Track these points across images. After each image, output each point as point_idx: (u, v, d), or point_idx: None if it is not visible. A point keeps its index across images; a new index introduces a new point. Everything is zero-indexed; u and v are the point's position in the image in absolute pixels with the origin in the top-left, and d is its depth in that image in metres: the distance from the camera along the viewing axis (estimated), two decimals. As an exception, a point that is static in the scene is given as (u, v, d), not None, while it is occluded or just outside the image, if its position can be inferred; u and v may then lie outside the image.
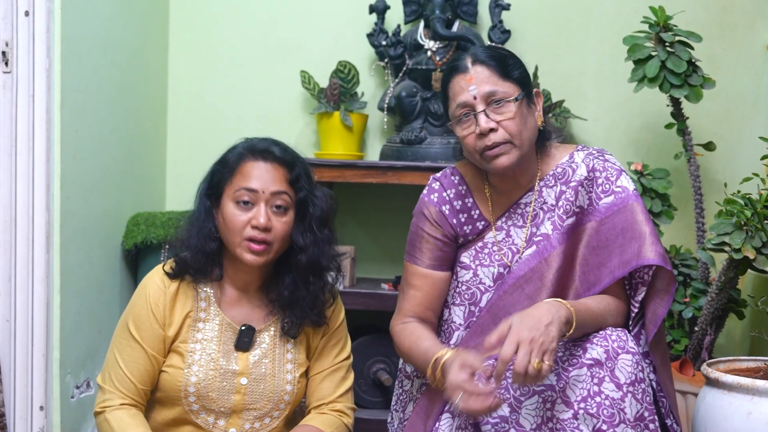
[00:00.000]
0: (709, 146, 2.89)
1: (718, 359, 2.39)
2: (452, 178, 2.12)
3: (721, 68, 3.09)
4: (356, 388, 2.73)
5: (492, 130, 1.96)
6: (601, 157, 2.06)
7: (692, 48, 2.79)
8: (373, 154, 3.28)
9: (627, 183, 2.02)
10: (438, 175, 2.15)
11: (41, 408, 2.52)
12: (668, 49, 2.77)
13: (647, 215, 2.01)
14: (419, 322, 2.08)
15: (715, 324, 2.73)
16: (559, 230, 2.02)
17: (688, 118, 2.87)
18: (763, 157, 2.56)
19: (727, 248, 2.47)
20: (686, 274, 2.85)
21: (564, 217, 2.03)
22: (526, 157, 2.03)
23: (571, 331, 1.86)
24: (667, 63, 2.75)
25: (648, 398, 1.90)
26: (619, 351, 1.89)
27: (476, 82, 1.97)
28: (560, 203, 2.04)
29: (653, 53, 2.78)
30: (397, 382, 2.23)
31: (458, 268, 2.11)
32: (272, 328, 2.07)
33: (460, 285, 2.10)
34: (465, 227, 2.10)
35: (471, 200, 2.11)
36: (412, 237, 2.13)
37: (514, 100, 1.97)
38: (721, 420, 2.18)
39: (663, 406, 2.01)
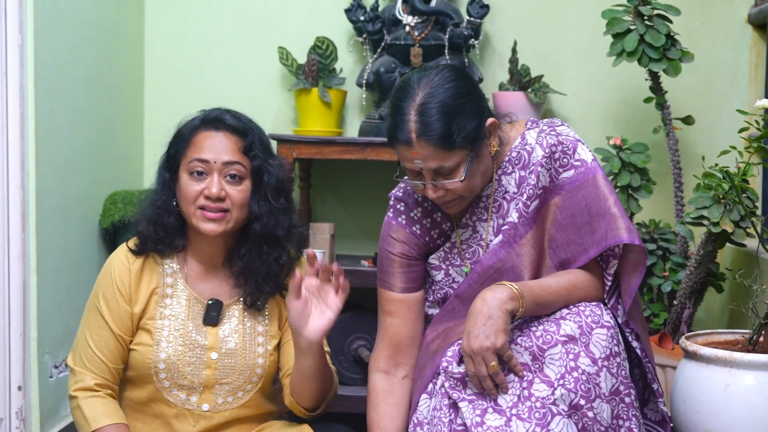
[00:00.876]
0: (687, 120, 2.90)
1: (697, 332, 2.40)
2: (415, 196, 2.07)
3: (699, 42, 3.09)
4: (337, 365, 2.72)
5: (440, 196, 1.93)
6: (552, 132, 2.01)
7: (671, 22, 2.78)
8: (352, 131, 3.27)
9: (585, 155, 1.98)
10: (399, 194, 2.09)
11: (19, 388, 2.51)
12: (647, 22, 2.76)
13: (610, 186, 1.98)
14: (393, 376, 2.07)
15: (693, 297, 2.74)
16: (526, 216, 1.99)
17: (666, 92, 2.87)
18: (741, 130, 2.56)
19: (705, 222, 2.48)
20: (665, 248, 2.86)
21: (528, 202, 1.99)
22: (478, 191, 2.00)
23: (522, 309, 1.86)
24: (646, 37, 2.74)
25: (623, 372, 1.91)
26: (593, 326, 1.89)
27: (421, 157, 1.87)
28: (522, 189, 2.00)
29: (632, 27, 2.77)
30: None
31: (428, 269, 2.10)
32: (241, 301, 2.06)
33: (434, 284, 2.09)
34: (432, 232, 2.08)
35: (430, 203, 2.07)
36: (380, 263, 2.10)
37: (462, 175, 1.89)
38: (698, 392, 2.19)
39: (649, 371, 2.01)
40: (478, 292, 1.91)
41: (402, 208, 2.08)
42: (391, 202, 2.10)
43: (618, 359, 1.90)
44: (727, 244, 2.58)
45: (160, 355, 1.99)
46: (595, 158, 2.00)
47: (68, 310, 2.73)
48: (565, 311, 1.92)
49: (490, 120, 1.95)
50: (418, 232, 2.07)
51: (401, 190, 2.09)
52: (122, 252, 2.04)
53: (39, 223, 2.53)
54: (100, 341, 2.00)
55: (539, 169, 1.98)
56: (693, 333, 2.39)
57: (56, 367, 2.66)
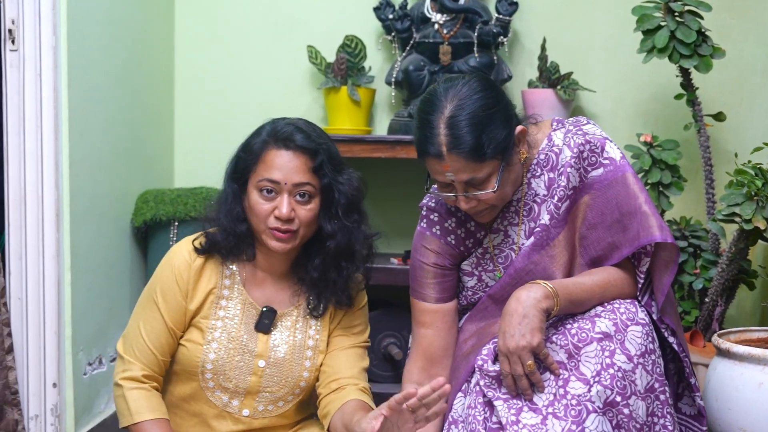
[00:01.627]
0: (719, 117, 2.88)
1: (729, 330, 2.39)
2: (448, 206, 2.06)
3: (730, 38, 3.06)
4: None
5: (473, 206, 1.93)
6: (579, 132, 2.01)
7: (702, 17, 2.77)
8: (381, 129, 3.27)
9: (613, 153, 1.98)
10: (431, 204, 2.08)
11: (54, 385, 2.54)
12: (677, 19, 2.75)
13: (640, 184, 1.98)
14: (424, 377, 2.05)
15: (725, 295, 2.73)
16: (557, 218, 1.98)
17: (697, 88, 2.85)
18: (774, 127, 2.55)
19: (737, 219, 2.47)
20: (696, 245, 2.85)
21: (560, 204, 1.99)
22: (510, 198, 2.00)
23: (557, 307, 1.86)
24: (677, 33, 2.73)
25: (658, 369, 1.90)
26: (629, 323, 1.89)
27: (453, 170, 1.87)
28: (552, 191, 2.00)
29: (662, 23, 2.75)
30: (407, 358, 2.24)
31: (461, 275, 2.10)
32: (295, 312, 2.06)
33: (466, 290, 2.10)
34: (467, 242, 2.08)
35: (472, 223, 2.07)
36: (414, 274, 2.10)
37: (495, 185, 1.89)
38: (732, 390, 2.18)
39: (687, 366, 2.00)
40: (510, 293, 1.91)
41: (436, 219, 2.08)
42: (424, 212, 2.09)
43: (653, 356, 1.89)
44: (759, 241, 2.57)
45: (209, 355, 2.00)
46: (623, 156, 2.00)
47: (101, 308, 2.76)
48: (599, 309, 1.92)
49: (519, 128, 1.94)
50: (453, 242, 2.07)
51: (433, 200, 2.08)
52: (185, 248, 2.03)
53: (73, 222, 2.56)
54: (152, 332, 2.00)
55: (569, 170, 1.98)
56: (725, 330, 2.38)
57: (90, 364, 2.69)
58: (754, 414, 2.14)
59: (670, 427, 1.91)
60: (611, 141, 2.01)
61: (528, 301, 1.84)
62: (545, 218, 1.99)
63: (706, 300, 2.72)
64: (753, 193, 2.44)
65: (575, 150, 1.98)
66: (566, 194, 1.99)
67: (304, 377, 2.04)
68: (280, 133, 1.95)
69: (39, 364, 2.53)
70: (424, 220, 2.09)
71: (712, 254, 2.80)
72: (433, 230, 2.08)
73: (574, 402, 1.85)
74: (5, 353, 2.45)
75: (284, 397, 2.05)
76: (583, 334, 1.89)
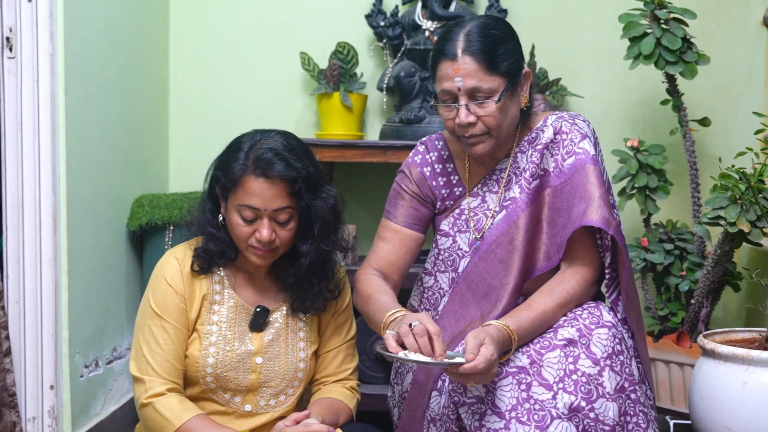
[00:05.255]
0: (704, 122, 2.93)
1: (714, 331, 2.44)
2: (436, 142, 2.19)
3: (715, 44, 3.12)
4: (359, 364, 2.77)
5: (471, 123, 1.99)
6: (570, 120, 2.08)
7: (687, 25, 2.82)
8: (373, 134, 3.32)
9: (589, 147, 2.04)
10: (424, 138, 2.21)
11: (51, 387, 2.57)
12: (663, 26, 2.80)
13: (601, 180, 2.02)
14: (383, 278, 2.10)
15: (711, 297, 2.78)
16: (526, 192, 2.05)
17: (683, 94, 2.91)
18: (757, 132, 2.59)
19: (722, 222, 2.52)
20: (682, 248, 2.90)
21: (530, 179, 2.06)
22: (503, 139, 2.07)
23: (515, 345, 1.91)
24: (662, 40, 2.78)
25: (627, 369, 1.93)
26: (593, 327, 1.93)
27: (462, 74, 1.97)
28: (526, 166, 2.07)
29: (648, 30, 2.81)
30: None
31: (438, 236, 2.18)
32: (284, 307, 2.12)
33: (441, 252, 2.16)
34: (443, 190, 2.16)
35: (452, 165, 2.17)
36: (391, 194, 2.20)
37: (497, 98, 1.97)
38: (717, 390, 2.23)
39: (640, 372, 2.02)
40: (483, 269, 2.02)
41: (422, 150, 2.18)
42: (419, 146, 2.20)
43: (621, 357, 1.92)
44: (744, 243, 2.62)
45: (208, 360, 2.04)
46: (598, 154, 2.06)
47: (98, 310, 2.79)
48: (561, 319, 1.97)
49: (526, 69, 2.06)
50: (428, 174, 2.16)
51: (431, 140, 2.19)
52: (173, 258, 2.07)
53: (70, 226, 2.59)
54: (165, 344, 2.02)
55: (545, 150, 2.06)
56: (711, 331, 2.43)
57: (87, 366, 2.72)
58: (739, 413, 2.19)
59: (644, 425, 1.93)
60: (592, 139, 2.07)
61: (496, 362, 1.83)
62: (516, 191, 2.07)
63: (692, 301, 2.77)
64: (737, 197, 2.49)
65: (556, 134, 2.06)
66: (537, 172, 2.06)
67: (300, 368, 2.10)
68: (259, 161, 1.95)
69: (36, 366, 2.56)
70: (417, 153, 2.19)
71: (698, 257, 2.85)
72: (416, 159, 2.18)
73: (537, 407, 1.88)
74: (3, 356, 2.48)
75: (284, 391, 2.11)
76: (546, 342, 1.93)
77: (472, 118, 1.99)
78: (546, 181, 2.05)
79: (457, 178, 2.16)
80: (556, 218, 2.03)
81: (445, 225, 2.16)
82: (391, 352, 1.79)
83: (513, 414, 1.89)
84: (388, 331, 1.83)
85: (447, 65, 1.99)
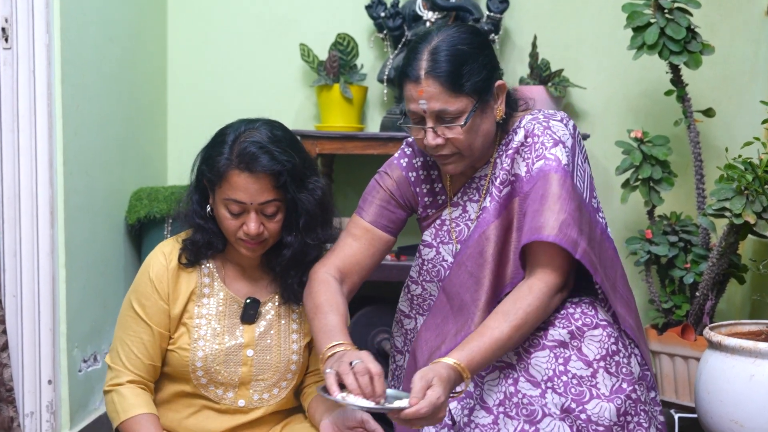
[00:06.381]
0: (708, 112, 2.90)
1: (720, 323, 2.42)
2: (428, 158, 2.08)
3: (719, 34, 3.09)
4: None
5: (439, 145, 1.93)
6: (545, 122, 1.96)
7: (691, 14, 2.79)
8: (373, 126, 3.29)
9: (561, 154, 1.91)
10: (411, 140, 2.11)
11: (49, 382, 2.54)
12: (667, 15, 2.77)
13: (571, 191, 1.88)
14: (339, 283, 1.99)
15: (716, 289, 2.75)
16: (496, 201, 1.96)
17: (687, 84, 2.88)
18: (764, 122, 2.57)
19: (727, 213, 2.49)
20: (687, 240, 2.87)
21: (501, 187, 1.96)
22: (477, 157, 1.99)
23: (467, 379, 1.78)
24: (666, 30, 2.75)
25: (625, 369, 1.86)
26: (585, 328, 1.87)
27: (426, 97, 1.89)
28: (497, 172, 1.98)
29: (652, 20, 2.78)
30: (390, 358, 2.24)
31: (421, 246, 2.11)
32: (276, 299, 2.09)
33: (425, 263, 2.09)
34: (426, 198, 2.10)
35: (436, 172, 2.09)
36: (367, 190, 2.12)
37: (463, 121, 1.89)
38: (723, 383, 2.20)
39: (641, 368, 1.95)
40: (456, 283, 1.94)
41: (408, 153, 2.11)
42: (404, 147, 2.12)
43: (618, 357, 1.86)
44: (749, 235, 2.59)
45: (197, 354, 2.02)
46: (569, 164, 1.92)
47: (96, 304, 2.76)
48: (552, 317, 1.89)
49: (500, 82, 1.97)
50: (413, 179, 2.09)
51: (414, 139, 2.08)
52: (161, 253, 2.06)
53: (67, 219, 2.57)
54: (136, 339, 2.03)
55: (515, 155, 1.96)
56: (717, 324, 2.40)
57: (85, 361, 2.70)
58: (746, 406, 2.16)
59: (645, 424, 1.87)
60: (566, 146, 1.93)
61: (445, 402, 1.73)
62: (488, 201, 1.98)
63: (697, 294, 2.74)
64: (743, 188, 2.46)
65: (527, 137, 1.95)
66: (507, 179, 1.96)
67: (293, 360, 2.08)
68: (243, 155, 1.92)
69: (34, 360, 2.53)
70: (402, 155, 2.11)
71: (703, 249, 2.82)
72: (401, 162, 2.10)
73: (525, 401, 1.84)
74: (0, 351, 2.46)
75: (277, 384, 2.07)
76: (535, 341, 1.88)
77: (440, 140, 1.92)
78: (517, 188, 1.95)
79: (440, 186, 2.09)
80: (521, 224, 1.93)
81: (427, 236, 2.09)
82: (330, 395, 1.70)
83: (501, 409, 1.86)
84: (327, 370, 1.74)
85: (411, 87, 1.91)
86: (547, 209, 1.86)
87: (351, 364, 1.72)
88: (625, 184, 2.90)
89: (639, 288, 2.96)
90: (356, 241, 2.07)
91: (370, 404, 1.69)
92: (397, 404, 1.70)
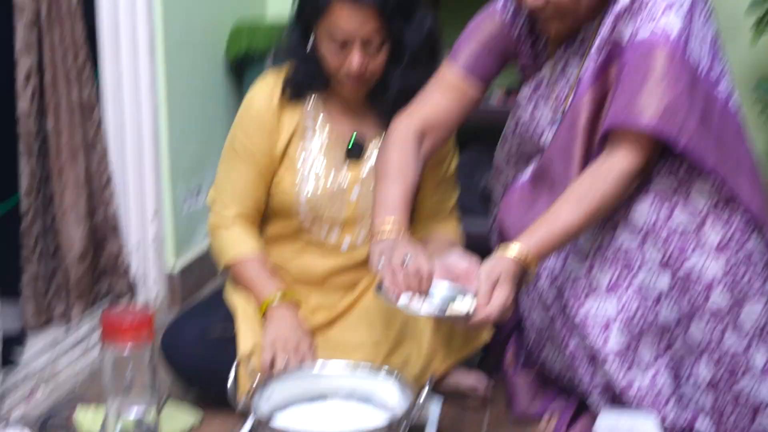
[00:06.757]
0: None
1: None
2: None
3: None
4: (464, 203, 2.67)
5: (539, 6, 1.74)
6: None
7: None
8: None
9: (673, 23, 1.67)
10: None
11: (155, 213, 2.57)
12: None
13: (677, 69, 1.66)
14: (418, 144, 1.88)
15: None
16: (592, 68, 1.77)
17: None
18: None
19: None
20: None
21: (596, 53, 1.77)
22: (582, 12, 1.77)
23: (531, 272, 1.68)
24: None
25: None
26: (745, 300, 1.68)
27: None
28: (599, 36, 1.78)
29: None
30: (491, 204, 2.18)
31: (517, 102, 1.97)
32: (381, 138, 2.02)
33: (518, 126, 1.98)
34: (525, 46, 1.92)
35: (543, 42, 1.92)
36: (461, 35, 1.95)
37: None
38: None
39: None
40: (551, 156, 1.83)
41: (515, 7, 1.91)
42: None
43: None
44: None
45: (303, 191, 1.99)
46: (683, 34, 1.68)
47: (198, 140, 2.76)
48: (719, 274, 1.68)
49: None
50: (514, 36, 1.91)
51: None
52: (263, 88, 2.00)
53: (167, 53, 2.54)
54: (239, 177, 2.00)
55: (618, 20, 1.74)
56: None
57: (188, 195, 2.72)
58: None
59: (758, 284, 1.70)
60: (682, 9, 1.68)
61: (511, 291, 1.64)
62: (585, 66, 1.80)
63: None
64: None
65: (633, 2, 1.73)
66: (603, 45, 1.77)
67: None
68: None
69: (140, 196, 2.56)
70: (505, 3, 1.92)
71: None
72: (507, 12, 1.92)
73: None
74: (104, 186, 2.48)
75: None
76: (698, 302, 1.71)
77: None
78: (616, 55, 1.74)
79: (544, 42, 1.91)
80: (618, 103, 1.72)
81: (525, 87, 1.94)
82: (390, 298, 1.64)
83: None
84: (379, 266, 1.67)
85: None
86: (648, 91, 1.65)
87: (403, 261, 1.65)
88: (758, 23, 2.65)
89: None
90: (445, 94, 1.93)
91: (434, 311, 1.64)
92: (461, 308, 1.63)
